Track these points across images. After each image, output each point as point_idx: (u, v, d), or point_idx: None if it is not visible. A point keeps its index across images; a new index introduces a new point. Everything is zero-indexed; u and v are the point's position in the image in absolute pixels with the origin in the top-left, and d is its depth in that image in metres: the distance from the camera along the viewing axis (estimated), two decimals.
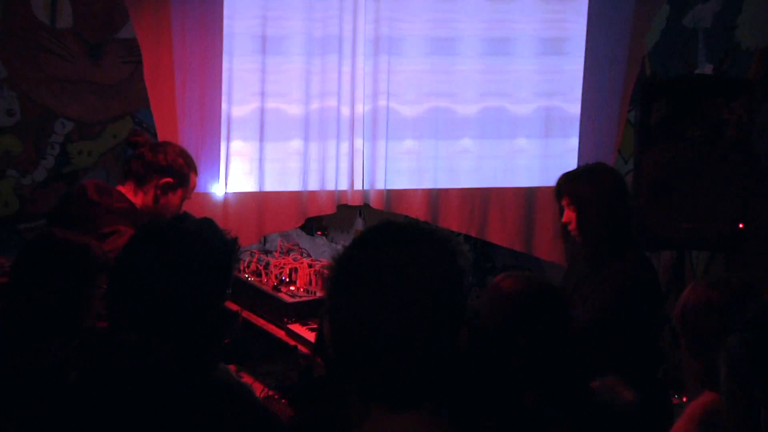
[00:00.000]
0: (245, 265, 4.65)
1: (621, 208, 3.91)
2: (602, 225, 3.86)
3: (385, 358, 1.56)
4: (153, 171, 4.00)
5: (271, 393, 3.71)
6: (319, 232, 5.17)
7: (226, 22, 4.70)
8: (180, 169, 4.04)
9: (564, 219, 3.96)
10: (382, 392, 1.59)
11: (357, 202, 5.07)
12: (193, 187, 4.13)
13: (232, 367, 3.44)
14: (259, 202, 4.90)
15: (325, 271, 4.40)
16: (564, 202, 3.95)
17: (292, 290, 4.46)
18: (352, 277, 1.61)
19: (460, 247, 1.65)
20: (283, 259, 4.65)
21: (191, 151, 4.31)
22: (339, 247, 5.04)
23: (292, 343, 4.17)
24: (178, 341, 2.27)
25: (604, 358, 3.45)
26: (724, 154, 4.91)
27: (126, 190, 4.01)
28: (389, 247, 1.61)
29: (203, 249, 2.30)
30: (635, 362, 3.71)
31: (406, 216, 5.04)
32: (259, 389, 3.70)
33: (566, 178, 4.00)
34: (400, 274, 1.57)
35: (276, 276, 4.53)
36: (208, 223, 2.40)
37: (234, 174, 4.84)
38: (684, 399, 3.63)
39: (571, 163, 5.14)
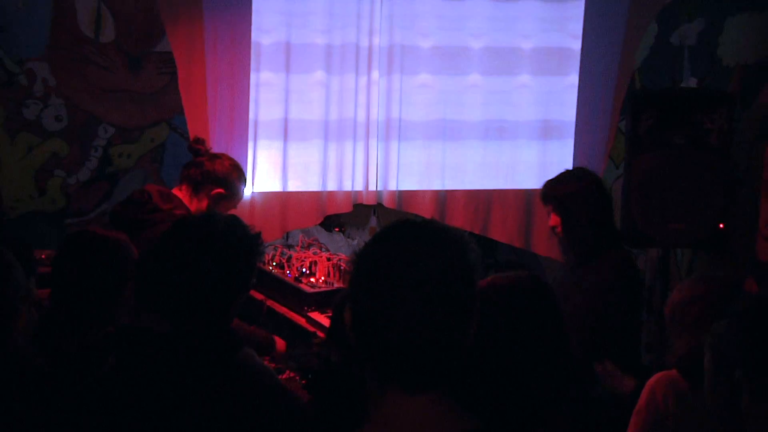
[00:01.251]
0: (269, 258, 4.65)
1: (601, 208, 3.90)
2: (585, 226, 3.85)
3: (400, 344, 1.56)
4: (209, 181, 3.98)
5: (292, 375, 3.70)
6: (336, 229, 5.17)
7: (253, 35, 4.69)
8: (233, 182, 4.03)
9: (551, 223, 3.96)
10: (398, 376, 1.59)
11: (371, 202, 5.07)
12: (241, 198, 4.12)
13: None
14: (283, 201, 4.90)
15: (342, 264, 4.43)
16: (549, 208, 3.95)
17: (312, 281, 4.46)
18: (372, 269, 1.61)
19: (470, 244, 1.65)
20: (304, 253, 4.65)
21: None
22: (355, 242, 5.06)
23: (312, 329, 4.18)
24: (205, 327, 2.27)
25: (594, 348, 3.44)
26: (706, 161, 4.88)
27: (182, 194, 3.99)
28: (406, 243, 1.61)
29: (230, 243, 2.31)
30: (623, 350, 3.70)
31: (415, 215, 5.03)
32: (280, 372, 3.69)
33: (549, 185, 3.99)
34: (415, 268, 1.57)
35: (297, 268, 4.53)
36: (234, 220, 2.41)
37: (260, 175, 4.84)
38: None
39: (566, 168, 5.11)
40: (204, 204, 3.98)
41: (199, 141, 4.16)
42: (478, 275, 1.63)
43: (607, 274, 3.80)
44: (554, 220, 3.92)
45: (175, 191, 4.03)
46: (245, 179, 4.15)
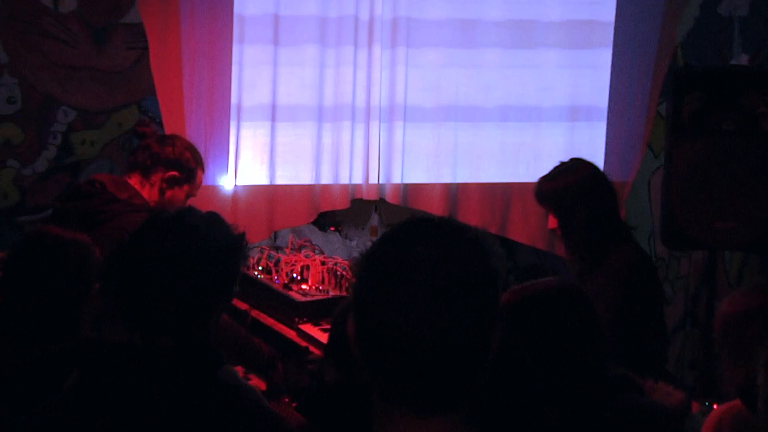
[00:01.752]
0: (255, 262, 4.65)
1: (601, 202, 3.89)
2: (586, 225, 3.84)
3: (413, 359, 1.55)
4: (159, 163, 4.03)
5: (286, 400, 3.70)
6: (332, 228, 5.17)
7: (236, 4, 4.71)
8: (187, 164, 4.08)
9: (550, 225, 3.96)
10: (409, 395, 1.58)
11: (372, 197, 5.09)
12: (200, 184, 4.18)
13: (239, 369, 3.43)
14: (270, 196, 4.92)
15: (339, 269, 4.44)
16: (545, 208, 3.95)
17: (304, 289, 4.46)
18: (380, 273, 1.60)
19: (494, 247, 1.64)
20: (295, 256, 4.65)
21: (199, 142, 4.34)
22: (353, 243, 5.06)
23: (304, 344, 4.18)
24: (181, 340, 2.27)
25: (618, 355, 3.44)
26: (759, 150, 4.89)
27: (133, 182, 4.03)
28: (419, 244, 1.60)
29: (208, 244, 2.31)
30: (645, 355, 3.71)
31: (423, 212, 5.03)
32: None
33: (542, 182, 3.98)
34: (430, 272, 1.56)
35: (287, 274, 4.54)
36: (214, 218, 2.41)
37: (243, 166, 4.85)
38: (715, 406, 3.63)
39: (599, 158, 5.14)
40: (156, 189, 4.03)
41: (144, 123, 4.25)
42: (501, 281, 1.62)
43: (616, 279, 3.81)
44: (553, 221, 3.93)
45: (126, 179, 4.06)
46: (201, 161, 4.17)
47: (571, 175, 3.94)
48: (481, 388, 1.61)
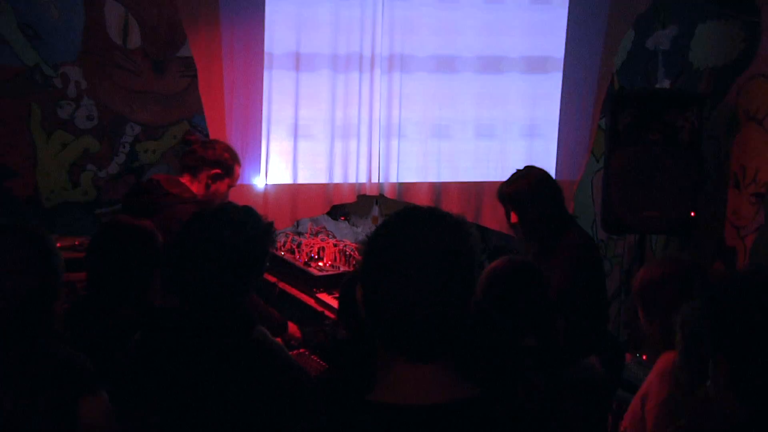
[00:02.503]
0: (281, 244, 4.65)
1: (551, 199, 3.88)
2: (540, 218, 3.84)
3: (407, 318, 1.56)
4: (204, 164, 4.02)
5: (302, 350, 3.71)
6: (342, 218, 5.17)
7: (266, 42, 4.68)
8: (226, 162, 4.06)
9: (512, 220, 3.93)
10: (405, 347, 1.59)
11: (374, 193, 5.07)
12: (238, 177, 4.14)
13: None
14: (293, 193, 4.90)
15: (348, 250, 4.44)
16: (508, 207, 3.94)
17: (320, 265, 4.45)
18: (381, 251, 1.61)
19: (471, 230, 1.64)
20: (313, 239, 4.65)
21: (237, 149, 4.32)
22: (359, 229, 5.06)
23: (320, 309, 4.18)
24: (222, 306, 2.28)
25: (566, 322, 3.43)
26: (678, 155, 4.90)
27: (184, 180, 4.02)
28: (413, 227, 1.61)
29: (243, 231, 2.32)
30: (590, 323, 3.71)
31: (414, 204, 5.02)
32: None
33: (503, 187, 3.97)
34: (421, 250, 1.57)
35: (307, 254, 4.53)
36: (248, 210, 2.42)
37: (272, 169, 4.84)
38: (644, 357, 3.61)
39: (551, 162, 5.14)
40: (203, 185, 4.01)
41: (190, 132, 4.24)
42: (477, 256, 1.63)
43: (569, 256, 3.80)
44: (514, 217, 3.92)
45: (179, 179, 4.05)
46: (238, 159, 4.13)
47: (524, 180, 3.92)
48: (461, 342, 1.61)
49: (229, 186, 4.11)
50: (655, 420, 2.66)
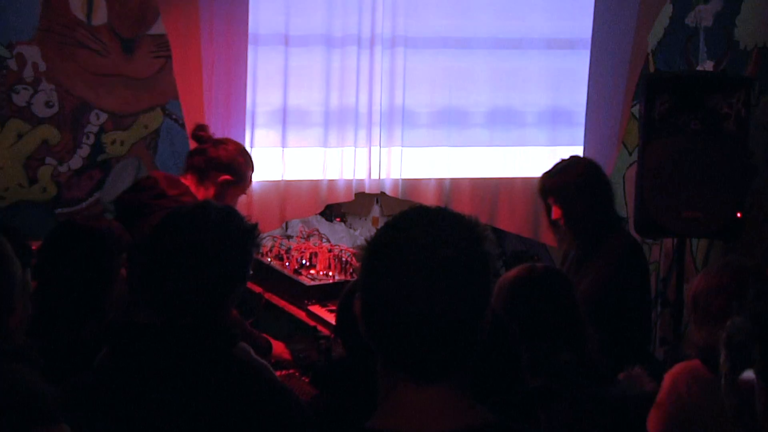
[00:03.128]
0: (268, 249, 4.65)
1: (601, 195, 3.90)
2: (587, 215, 3.85)
3: (412, 333, 1.56)
4: (213, 167, 3.98)
5: (291, 371, 3.71)
6: (337, 219, 5.18)
7: (251, 19, 4.69)
8: (239, 167, 4.02)
9: (553, 216, 3.96)
10: (409, 366, 1.59)
11: (374, 191, 5.07)
12: (250, 183, 4.10)
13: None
14: (281, 190, 4.91)
15: (344, 256, 4.43)
16: (550, 201, 3.95)
17: (312, 273, 4.47)
18: (383, 258, 1.60)
19: (486, 233, 1.64)
20: (304, 244, 4.66)
21: None
22: (357, 232, 5.05)
23: (312, 323, 4.18)
24: (199, 320, 2.27)
25: (601, 336, 3.43)
26: (723, 147, 4.90)
27: (187, 182, 3.99)
28: (419, 230, 1.60)
29: (222, 234, 2.32)
30: (629, 338, 3.71)
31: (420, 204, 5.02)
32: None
33: (546, 178, 3.99)
34: (428, 255, 1.56)
35: (297, 260, 4.54)
36: (228, 210, 2.42)
37: (258, 163, 4.81)
38: None
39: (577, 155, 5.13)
40: (211, 192, 3.97)
41: (202, 128, 4.16)
42: (493, 263, 1.63)
43: (611, 261, 3.81)
44: (556, 212, 3.93)
45: (181, 180, 4.03)
46: (252, 163, 4.13)
47: (572, 170, 3.95)
48: (473, 360, 1.61)
49: (239, 195, 4.06)
50: (649, 423, 2.77)
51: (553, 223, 4.04)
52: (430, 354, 1.57)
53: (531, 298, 2.81)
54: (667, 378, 2.84)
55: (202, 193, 3.97)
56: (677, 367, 2.86)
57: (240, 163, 4.03)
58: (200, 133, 4.12)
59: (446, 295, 1.55)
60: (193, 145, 4.25)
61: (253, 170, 4.14)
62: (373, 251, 1.62)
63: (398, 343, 1.58)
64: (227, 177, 3.99)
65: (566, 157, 4.20)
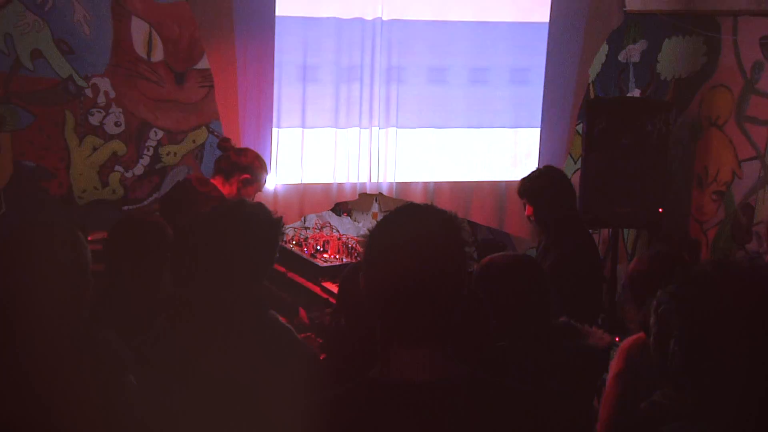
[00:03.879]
0: (290, 238, 4.66)
1: (565, 199, 3.89)
2: (553, 214, 3.85)
3: (405, 304, 1.56)
4: (236, 168, 3.98)
5: (309, 334, 3.71)
6: (345, 214, 5.18)
7: (276, 55, 4.67)
8: (256, 169, 4.02)
9: (527, 213, 3.96)
10: (402, 330, 1.58)
11: (373, 192, 5.07)
12: (264, 183, 4.09)
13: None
14: (301, 191, 4.90)
15: (350, 243, 4.43)
16: (524, 200, 3.95)
17: (325, 257, 4.47)
18: (382, 243, 1.60)
19: (463, 224, 1.64)
20: (318, 233, 4.65)
21: None
22: (360, 224, 5.05)
23: (324, 296, 4.19)
24: (236, 293, 2.27)
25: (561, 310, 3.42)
26: (647, 157, 4.93)
27: (216, 182, 3.99)
28: (410, 222, 1.61)
29: (257, 224, 2.31)
30: (583, 312, 3.69)
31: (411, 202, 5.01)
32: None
33: (524, 182, 3.99)
34: (417, 242, 1.56)
35: (313, 246, 4.54)
36: (260, 206, 2.41)
37: (282, 170, 4.83)
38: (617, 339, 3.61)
39: (534, 164, 5.12)
40: (234, 188, 3.97)
41: (226, 140, 4.18)
42: (468, 248, 1.62)
43: (570, 250, 3.81)
44: (529, 210, 3.93)
45: (211, 180, 4.03)
46: (266, 167, 4.11)
47: (545, 177, 3.94)
48: (451, 325, 1.60)
49: (257, 190, 4.08)
50: (610, 388, 2.70)
51: (528, 219, 4.04)
52: (418, 321, 1.57)
53: (504, 276, 2.74)
54: (621, 350, 2.78)
55: (227, 189, 3.97)
56: (627, 341, 2.80)
57: (256, 166, 4.03)
58: (224, 144, 4.13)
59: (431, 274, 1.55)
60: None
61: (267, 172, 4.09)
62: (373, 239, 1.62)
63: (393, 311, 1.57)
64: (246, 176, 3.99)
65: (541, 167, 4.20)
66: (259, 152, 4.51)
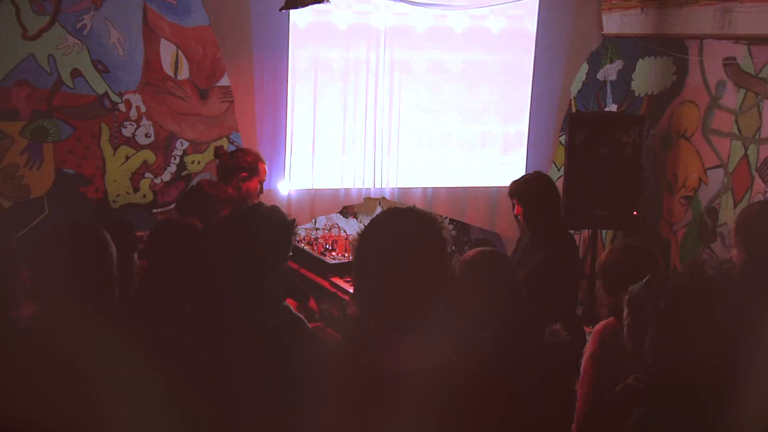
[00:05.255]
0: (302, 238, 4.66)
1: (552, 202, 3.88)
2: (540, 214, 3.83)
3: (393, 298, 1.56)
4: (232, 172, 3.95)
5: (319, 324, 3.74)
6: (351, 216, 5.18)
7: (290, 75, 4.70)
8: (249, 165, 3.92)
9: (516, 212, 3.93)
10: (392, 318, 1.58)
11: (377, 196, 5.06)
12: (264, 173, 3.76)
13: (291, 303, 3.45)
14: (312, 195, 4.89)
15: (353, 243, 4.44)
16: (514, 201, 3.94)
17: (333, 255, 4.48)
18: (369, 245, 1.59)
19: (444, 224, 1.62)
20: (327, 233, 4.67)
21: (267, 162, 4.29)
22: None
23: (333, 290, 4.20)
24: (253, 286, 2.30)
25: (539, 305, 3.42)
26: (623, 166, 4.92)
27: (221, 184, 4.00)
28: (394, 225, 1.60)
29: (272, 225, 2.33)
30: (560, 307, 3.70)
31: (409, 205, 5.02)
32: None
33: (515, 184, 3.97)
34: (402, 243, 1.56)
35: (322, 245, 4.55)
36: (275, 209, 2.43)
37: (295, 176, 4.85)
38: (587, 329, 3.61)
39: (521, 171, 5.14)
40: (236, 188, 3.85)
41: (219, 148, 4.04)
42: (449, 247, 1.61)
43: (555, 251, 3.79)
44: (518, 209, 3.90)
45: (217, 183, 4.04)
46: (259, 158, 3.83)
47: (534, 181, 3.90)
48: (437, 313, 1.59)
49: (260, 182, 3.99)
50: (585, 369, 2.69)
51: (516, 217, 4.02)
52: (406, 309, 1.56)
53: (480, 268, 2.76)
54: (595, 333, 2.77)
55: (231, 189, 3.90)
56: (600, 325, 2.79)
57: (249, 162, 3.83)
58: (218, 152, 4.08)
59: (416, 269, 1.54)
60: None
61: (263, 162, 3.84)
62: (362, 241, 1.62)
63: (383, 304, 1.57)
64: (243, 174, 3.93)
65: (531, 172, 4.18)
66: (274, 160, 4.53)
